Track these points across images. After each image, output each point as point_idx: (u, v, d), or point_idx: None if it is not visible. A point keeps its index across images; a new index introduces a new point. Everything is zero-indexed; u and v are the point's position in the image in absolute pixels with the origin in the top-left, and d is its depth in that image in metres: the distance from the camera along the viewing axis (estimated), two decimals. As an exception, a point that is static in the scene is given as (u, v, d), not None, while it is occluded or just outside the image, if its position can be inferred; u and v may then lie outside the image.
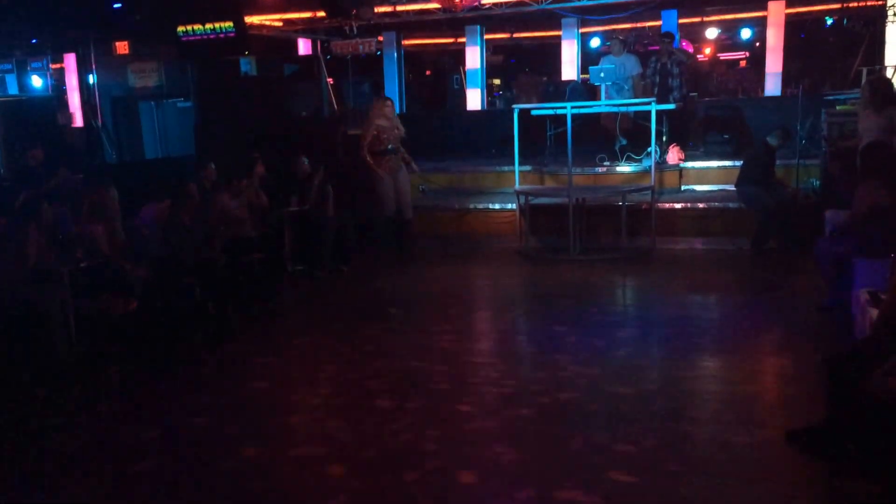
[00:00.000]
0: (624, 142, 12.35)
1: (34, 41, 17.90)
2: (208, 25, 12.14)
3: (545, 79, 16.20)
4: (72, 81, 17.72)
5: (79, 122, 16.36)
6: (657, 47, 13.18)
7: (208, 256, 7.95)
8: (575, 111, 10.94)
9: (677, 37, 15.32)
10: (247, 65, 15.02)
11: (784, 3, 15.98)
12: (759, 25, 18.49)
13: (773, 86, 16.12)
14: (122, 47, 15.11)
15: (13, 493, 4.61)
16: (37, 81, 18.99)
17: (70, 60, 17.76)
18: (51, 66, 19.14)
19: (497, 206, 11.61)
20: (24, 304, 6.40)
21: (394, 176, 10.36)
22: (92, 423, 5.60)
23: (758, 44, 20.32)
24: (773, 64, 16.13)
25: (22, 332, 6.38)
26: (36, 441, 5.31)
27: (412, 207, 10.75)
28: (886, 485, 4.05)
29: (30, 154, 10.62)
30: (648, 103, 10.89)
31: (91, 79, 15.74)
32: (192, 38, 12.32)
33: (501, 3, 15.14)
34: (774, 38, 16.14)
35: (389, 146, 10.24)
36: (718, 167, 11.80)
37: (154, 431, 5.38)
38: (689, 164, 11.98)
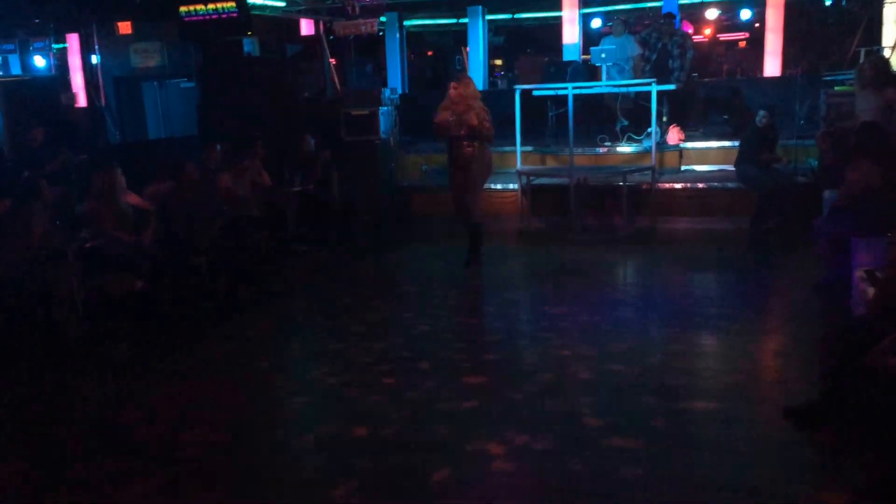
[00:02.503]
0: (625, 122, 12.38)
1: (37, 21, 17.90)
2: (211, 6, 12.14)
3: (547, 59, 16.17)
4: (75, 62, 17.72)
5: (82, 102, 16.36)
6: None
7: (211, 236, 8.03)
8: (576, 92, 10.98)
9: (678, 17, 15.32)
10: (250, 45, 15.04)
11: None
12: (759, 6, 18.49)
13: (772, 66, 16.15)
14: (124, 27, 15.10)
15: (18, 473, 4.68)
16: (39, 62, 18.99)
17: (73, 40, 17.76)
18: (53, 46, 19.15)
19: (499, 187, 11.66)
20: (30, 284, 6.51)
21: (460, 168, 8.71)
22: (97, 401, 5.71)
23: (757, 25, 20.33)
24: (773, 45, 16.16)
25: (29, 311, 6.50)
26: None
27: (480, 212, 9.03)
28: (883, 461, 4.10)
29: (30, 134, 10.65)
30: (649, 84, 10.93)
31: (94, 59, 15.74)
32: (195, 18, 12.32)
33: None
34: (774, 19, 16.17)
35: (459, 133, 8.59)
36: (718, 147, 11.87)
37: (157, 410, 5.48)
38: (689, 145, 12.05)
